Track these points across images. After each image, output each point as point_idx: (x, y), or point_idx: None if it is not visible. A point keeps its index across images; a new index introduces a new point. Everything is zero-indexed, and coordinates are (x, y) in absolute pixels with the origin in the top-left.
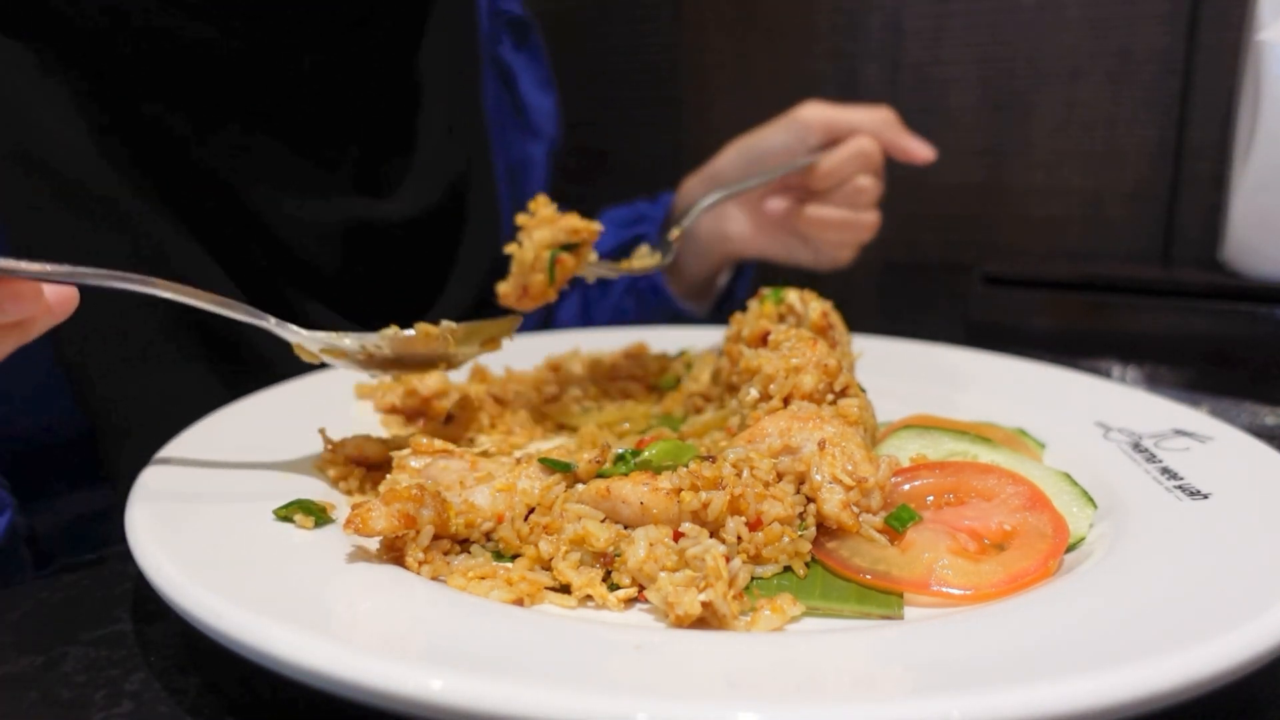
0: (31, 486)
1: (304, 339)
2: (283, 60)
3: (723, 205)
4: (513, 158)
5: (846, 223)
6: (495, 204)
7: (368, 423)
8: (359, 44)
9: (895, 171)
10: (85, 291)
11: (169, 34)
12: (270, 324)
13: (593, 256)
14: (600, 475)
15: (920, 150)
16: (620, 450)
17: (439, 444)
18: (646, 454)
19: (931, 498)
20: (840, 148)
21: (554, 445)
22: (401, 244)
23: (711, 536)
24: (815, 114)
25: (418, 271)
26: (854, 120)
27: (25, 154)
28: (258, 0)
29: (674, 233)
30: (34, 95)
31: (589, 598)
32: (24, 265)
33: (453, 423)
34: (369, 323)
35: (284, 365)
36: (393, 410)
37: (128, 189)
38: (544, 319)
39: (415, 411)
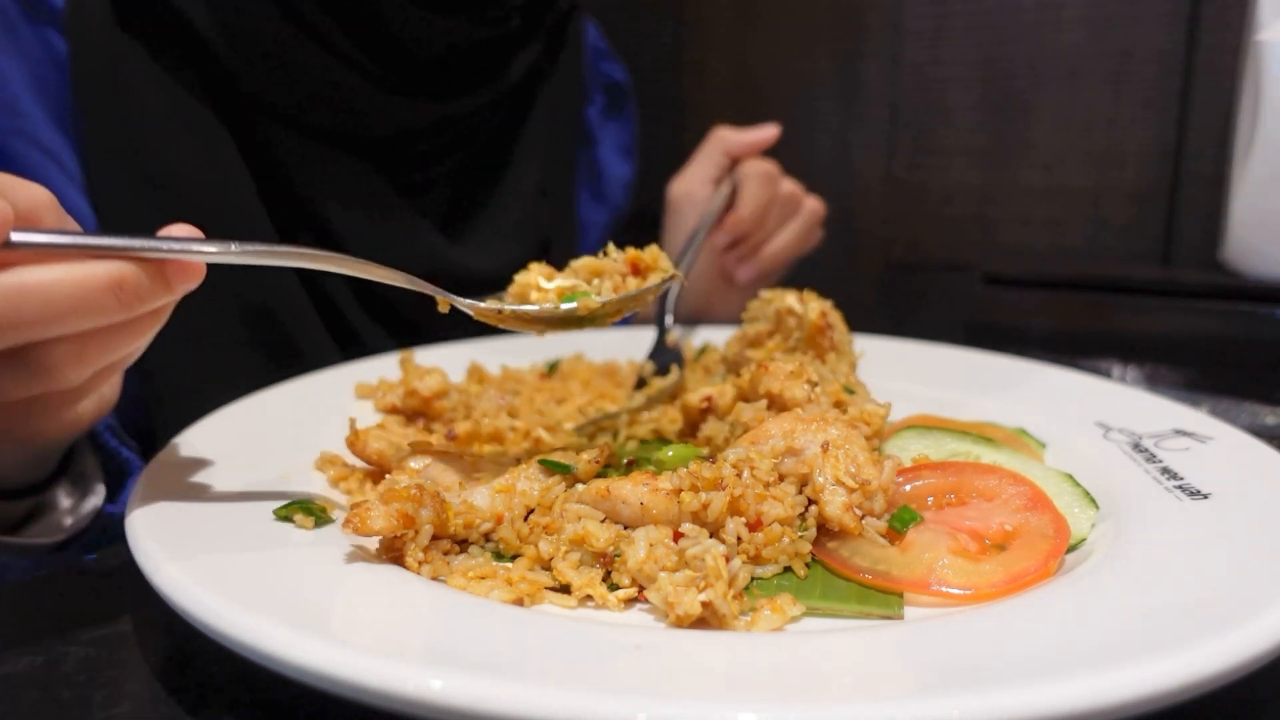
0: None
1: (485, 308)
2: (401, 101)
3: (698, 295)
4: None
5: (799, 232)
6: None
7: (367, 423)
8: (479, 96)
9: (896, 172)
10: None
11: (297, 63)
12: (441, 294)
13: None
14: (600, 476)
15: (764, 134)
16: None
17: (439, 444)
18: (659, 456)
19: (932, 498)
20: (740, 192)
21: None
22: (478, 294)
23: (711, 537)
24: (675, 189)
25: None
26: (704, 170)
27: (138, 160)
28: (390, 41)
29: (669, 337)
30: (157, 104)
31: (589, 598)
32: (195, 243)
33: (457, 441)
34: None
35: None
36: (393, 410)
37: (231, 201)
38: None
39: (415, 411)
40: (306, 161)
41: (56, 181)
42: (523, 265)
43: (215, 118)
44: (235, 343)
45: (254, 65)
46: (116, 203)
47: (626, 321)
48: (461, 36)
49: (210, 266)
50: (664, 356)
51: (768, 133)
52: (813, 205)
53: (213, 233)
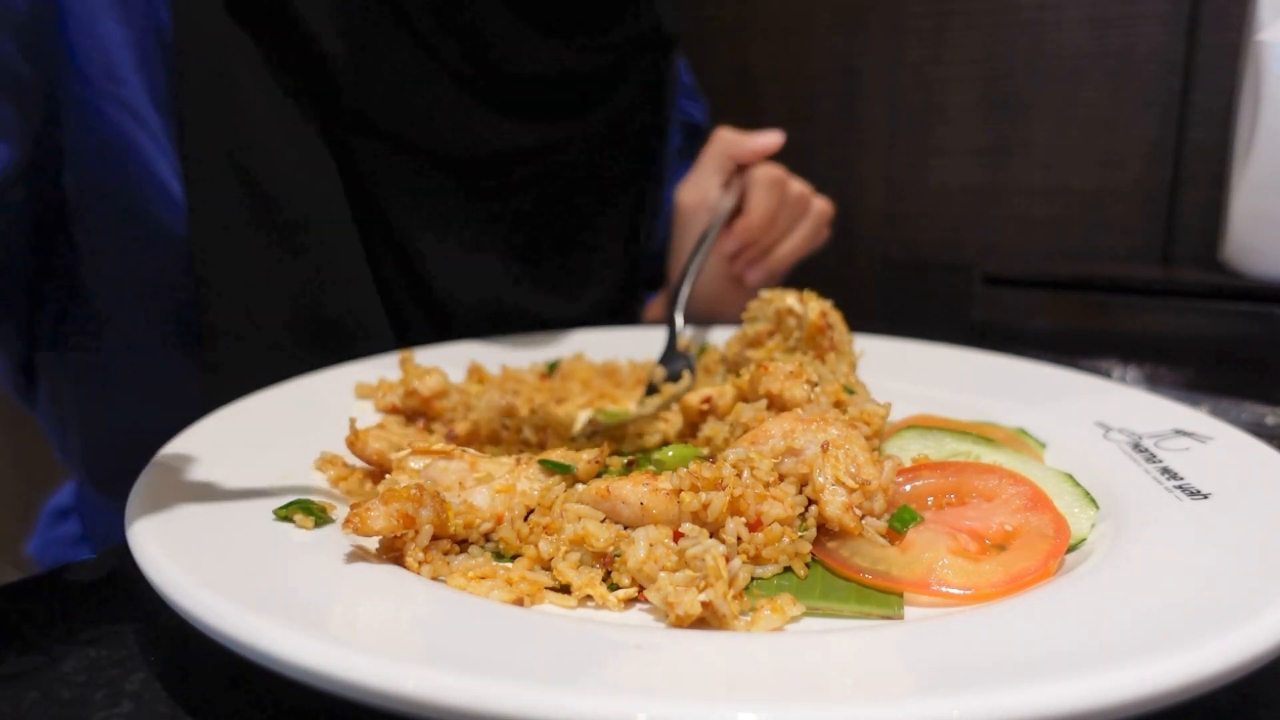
0: None
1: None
2: (502, 121)
3: (709, 297)
4: None
5: (808, 233)
6: (640, 301)
7: (367, 423)
8: (574, 125)
9: (896, 172)
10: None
11: (405, 71)
12: None
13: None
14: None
15: (769, 140)
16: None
17: (439, 444)
18: (659, 456)
19: (932, 498)
20: (749, 198)
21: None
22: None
23: (711, 537)
24: (686, 197)
25: None
26: (710, 165)
27: (234, 158)
28: (494, 58)
29: (681, 341)
30: (260, 106)
31: (589, 598)
32: None
33: (457, 441)
34: None
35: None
36: (393, 410)
37: (320, 214)
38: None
39: (415, 411)
40: (395, 177)
41: (148, 153)
42: (597, 310)
43: (316, 124)
44: (302, 357)
45: (362, 70)
46: (209, 192)
47: (630, 321)
48: (571, 62)
49: (280, 279)
50: (675, 362)
51: (773, 139)
52: (821, 206)
53: (299, 242)
